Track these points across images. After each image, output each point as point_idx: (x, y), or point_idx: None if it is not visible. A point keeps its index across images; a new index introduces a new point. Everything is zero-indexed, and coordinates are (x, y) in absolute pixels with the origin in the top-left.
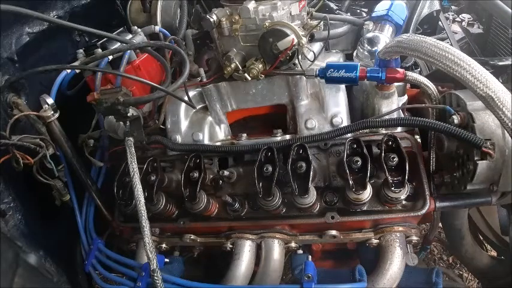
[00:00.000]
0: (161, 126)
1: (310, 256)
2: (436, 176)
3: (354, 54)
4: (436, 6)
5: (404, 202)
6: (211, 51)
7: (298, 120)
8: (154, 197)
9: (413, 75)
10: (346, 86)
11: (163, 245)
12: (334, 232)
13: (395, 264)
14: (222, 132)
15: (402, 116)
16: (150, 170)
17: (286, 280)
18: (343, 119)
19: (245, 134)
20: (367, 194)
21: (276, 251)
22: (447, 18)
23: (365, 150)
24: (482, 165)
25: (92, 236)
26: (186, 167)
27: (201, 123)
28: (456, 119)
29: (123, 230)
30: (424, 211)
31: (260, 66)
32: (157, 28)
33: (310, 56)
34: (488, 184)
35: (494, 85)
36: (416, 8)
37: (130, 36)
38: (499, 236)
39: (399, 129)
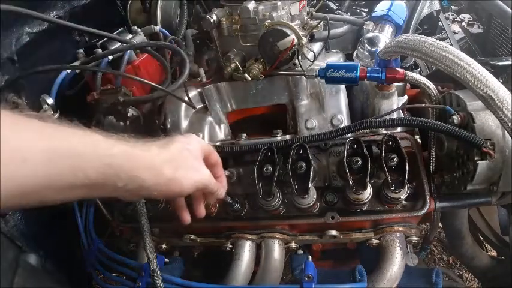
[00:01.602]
0: (161, 126)
1: (310, 256)
2: (436, 176)
3: (354, 54)
4: (436, 6)
5: (404, 202)
6: (211, 51)
7: (298, 120)
8: None
9: (413, 75)
10: (346, 86)
11: (163, 245)
12: (334, 232)
13: (396, 264)
14: (222, 132)
15: (402, 116)
16: None
17: (286, 280)
18: (343, 119)
19: (245, 134)
20: (367, 194)
21: (276, 251)
22: (447, 18)
23: (365, 150)
24: (482, 165)
25: (92, 236)
26: None
27: (201, 123)
28: (456, 119)
29: (123, 230)
30: (424, 211)
31: (260, 66)
32: (157, 28)
33: (310, 56)
34: (488, 184)
35: (494, 85)
36: (416, 8)
37: (130, 36)
38: (499, 236)
39: (399, 129)
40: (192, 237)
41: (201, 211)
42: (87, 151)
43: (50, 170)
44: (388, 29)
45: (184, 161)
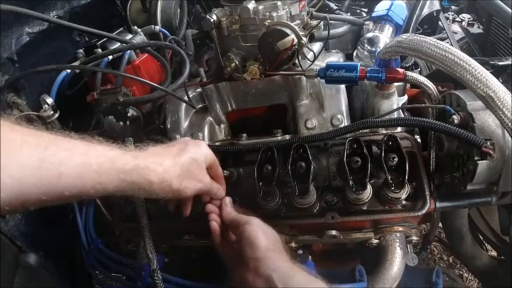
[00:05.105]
0: (161, 126)
1: (310, 256)
2: (436, 176)
3: (354, 54)
4: (436, 6)
5: (404, 202)
6: (211, 51)
7: (298, 120)
8: None
9: (413, 75)
10: (346, 86)
11: (164, 245)
12: (334, 232)
13: (396, 264)
14: (222, 132)
15: (402, 116)
16: None
17: None
18: (343, 119)
19: (245, 134)
20: (367, 194)
21: None
22: (447, 18)
23: (365, 150)
24: (482, 165)
25: (92, 236)
26: None
27: (201, 123)
28: (456, 119)
29: (123, 230)
30: (424, 211)
31: (260, 66)
32: (157, 28)
33: (310, 56)
34: (488, 184)
35: (494, 85)
36: (416, 8)
37: (130, 36)
38: (499, 236)
39: (399, 129)
40: (192, 237)
41: (188, 211)
42: (106, 168)
43: (76, 182)
44: (388, 29)
45: (191, 173)
